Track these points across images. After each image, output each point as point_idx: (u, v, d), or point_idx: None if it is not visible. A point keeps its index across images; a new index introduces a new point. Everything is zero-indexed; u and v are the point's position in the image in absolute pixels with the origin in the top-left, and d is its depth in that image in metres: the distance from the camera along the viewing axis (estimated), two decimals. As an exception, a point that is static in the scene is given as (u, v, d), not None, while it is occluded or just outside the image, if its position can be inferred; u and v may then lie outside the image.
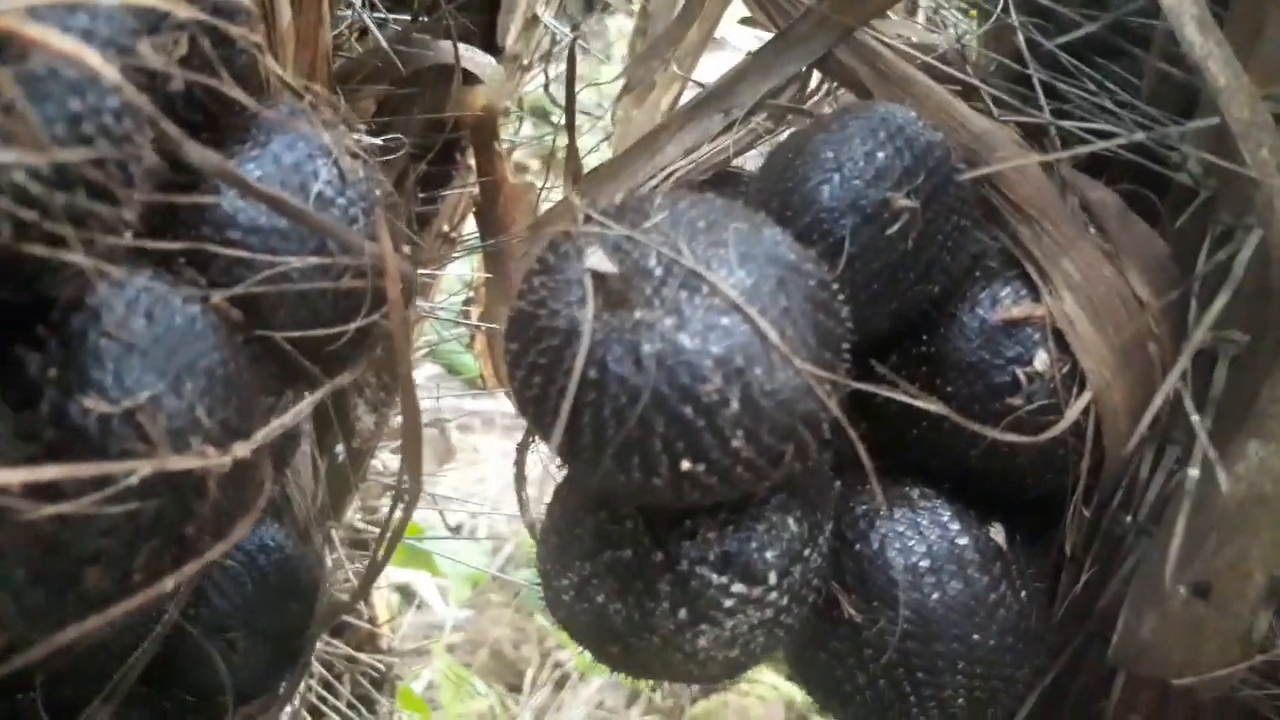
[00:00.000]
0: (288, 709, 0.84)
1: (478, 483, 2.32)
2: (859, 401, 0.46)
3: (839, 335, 0.37)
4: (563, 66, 1.08)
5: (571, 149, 0.62)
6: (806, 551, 0.42)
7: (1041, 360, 0.42)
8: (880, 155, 0.41)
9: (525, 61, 0.95)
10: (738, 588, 0.40)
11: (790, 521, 0.41)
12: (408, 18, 0.69)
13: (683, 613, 0.40)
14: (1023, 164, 0.43)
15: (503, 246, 0.89)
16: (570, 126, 0.59)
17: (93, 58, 0.22)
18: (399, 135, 0.45)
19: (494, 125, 0.85)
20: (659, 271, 0.35)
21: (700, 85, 0.50)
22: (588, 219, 0.36)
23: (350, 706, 0.97)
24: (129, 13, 0.26)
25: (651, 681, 0.45)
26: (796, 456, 0.37)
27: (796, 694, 2.03)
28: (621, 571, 0.41)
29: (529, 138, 1.19)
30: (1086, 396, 0.42)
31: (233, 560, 0.52)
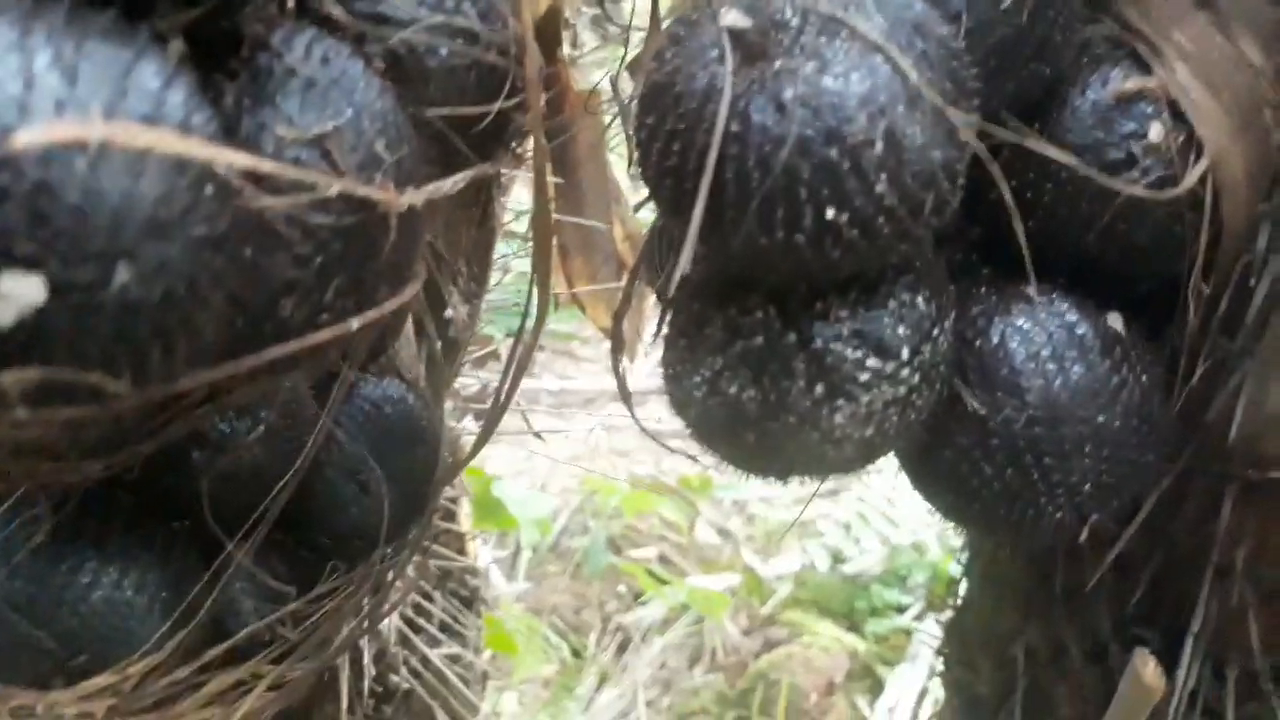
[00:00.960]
0: (392, 620, 0.85)
1: (526, 459, 2.34)
2: (969, 204, 0.47)
3: (972, 87, 0.38)
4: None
5: (654, 16, 0.63)
6: (935, 331, 0.43)
7: (1157, 131, 0.43)
8: (990, -69, 0.42)
9: (581, -28, 0.96)
10: (872, 362, 0.41)
11: (919, 300, 0.42)
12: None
13: (819, 388, 0.41)
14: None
15: (571, 153, 0.90)
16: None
17: None
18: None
19: (558, 29, 0.86)
20: (795, 21, 0.36)
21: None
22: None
23: (442, 628, 0.99)
24: None
25: (784, 474, 0.46)
26: (935, 209, 0.38)
27: (860, 645, 2.04)
28: (754, 359, 0.42)
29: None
30: (1205, 163, 0.43)
31: (360, 409, 0.53)
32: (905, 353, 0.42)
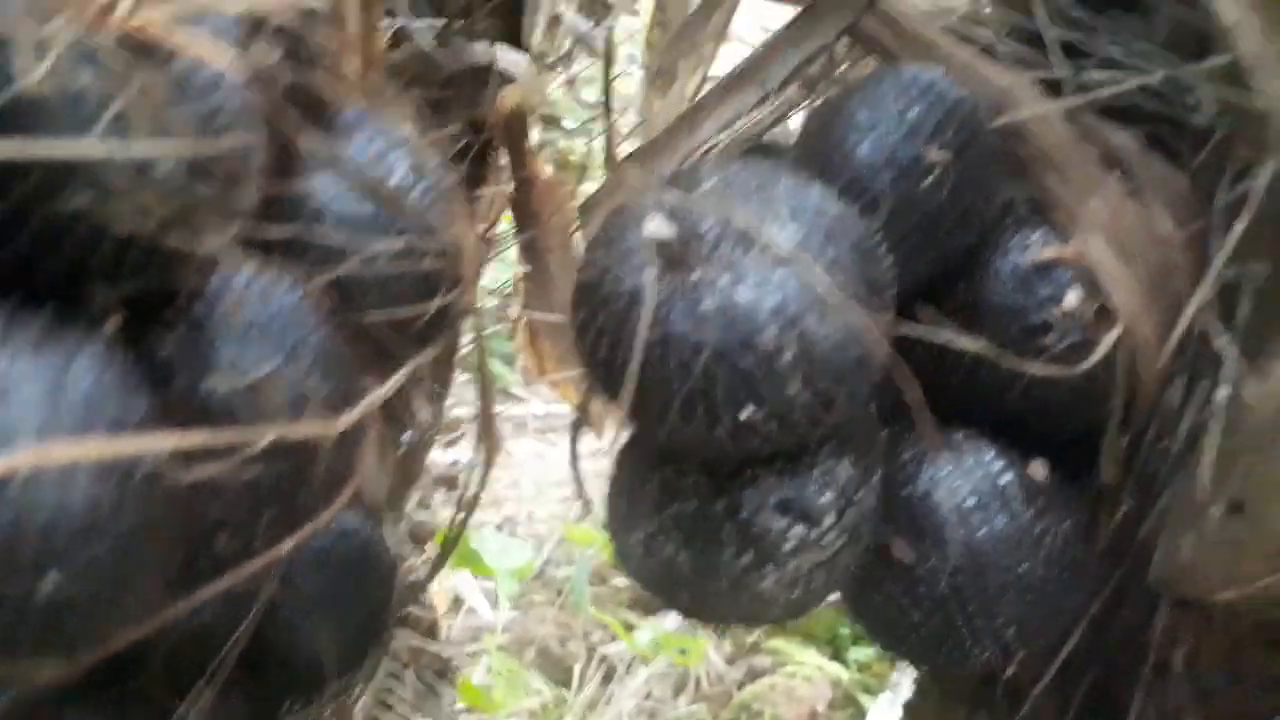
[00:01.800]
0: (362, 700, 0.87)
1: (512, 486, 2.35)
2: (901, 353, 0.49)
3: (884, 283, 0.40)
4: (582, 66, 1.11)
5: (610, 135, 0.65)
6: (859, 494, 0.45)
7: (1073, 299, 0.45)
8: (912, 112, 0.44)
9: (549, 61, 0.98)
10: (797, 530, 0.43)
11: (842, 467, 0.44)
12: (444, 21, 0.72)
13: (747, 557, 0.43)
14: (1045, 113, 0.46)
15: (540, 241, 0.92)
16: (608, 111, 0.62)
17: (229, 59, 0.25)
18: (467, 119, 0.48)
19: (525, 123, 0.88)
20: (714, 233, 0.38)
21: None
22: (644, 189, 0.39)
23: (415, 699, 1.00)
24: (240, 21, 0.29)
25: (720, 625, 0.48)
26: (849, 401, 0.39)
27: (843, 674, 2.05)
28: (687, 523, 0.44)
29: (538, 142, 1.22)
30: (1118, 329, 0.44)
31: (314, 546, 0.54)
32: (830, 518, 0.43)
